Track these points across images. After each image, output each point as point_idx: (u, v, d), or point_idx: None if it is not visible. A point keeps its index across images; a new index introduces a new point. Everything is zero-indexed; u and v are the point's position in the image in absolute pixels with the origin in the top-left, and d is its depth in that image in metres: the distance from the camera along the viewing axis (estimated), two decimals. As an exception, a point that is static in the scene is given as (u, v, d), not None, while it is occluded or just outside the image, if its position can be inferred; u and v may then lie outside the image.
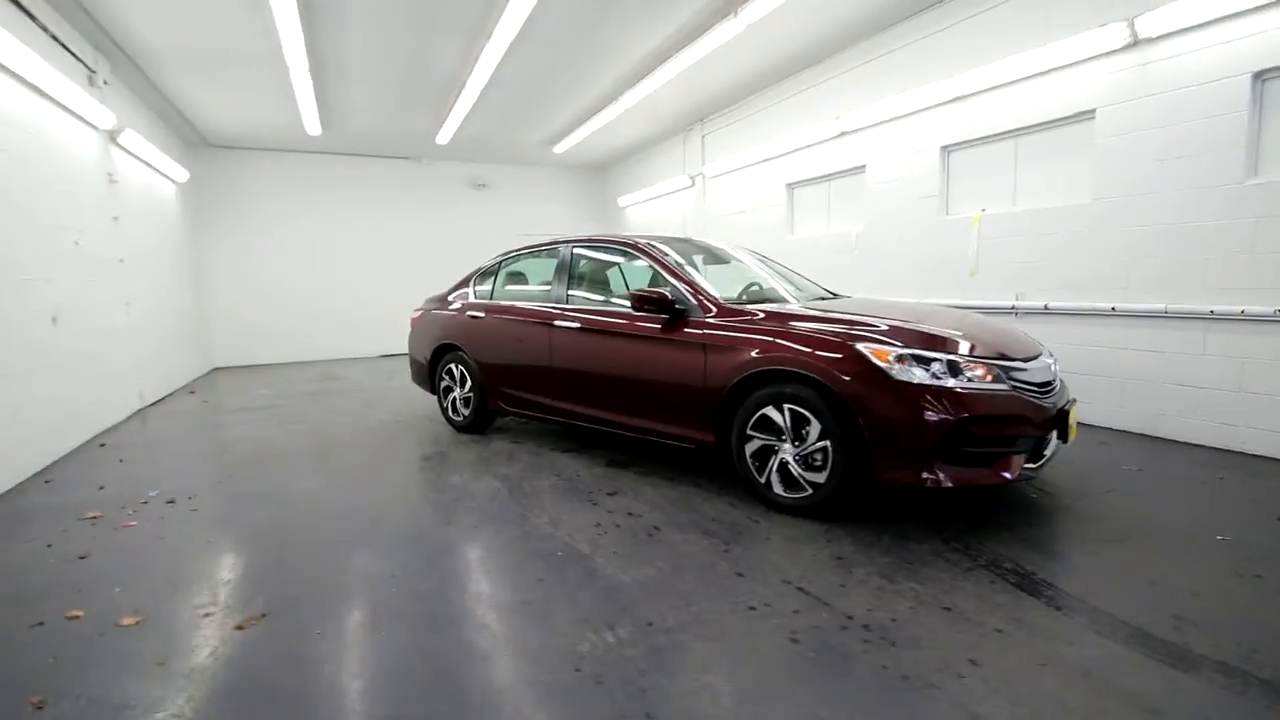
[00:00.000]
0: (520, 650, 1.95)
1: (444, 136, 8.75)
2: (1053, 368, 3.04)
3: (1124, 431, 4.30)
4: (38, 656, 1.96)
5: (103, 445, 4.65)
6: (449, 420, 4.98)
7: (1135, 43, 4.00)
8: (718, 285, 3.55)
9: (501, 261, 4.87)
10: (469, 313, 4.75)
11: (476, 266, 5.12)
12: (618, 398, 3.70)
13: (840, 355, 2.75)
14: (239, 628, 2.09)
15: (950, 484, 2.60)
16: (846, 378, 2.70)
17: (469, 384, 4.71)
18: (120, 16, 4.98)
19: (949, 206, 5.45)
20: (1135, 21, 3.91)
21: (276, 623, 2.13)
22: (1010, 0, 4.69)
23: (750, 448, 3.05)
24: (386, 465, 4.08)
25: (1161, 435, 4.14)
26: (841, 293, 4.37)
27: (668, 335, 3.40)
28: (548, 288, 4.32)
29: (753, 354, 3.02)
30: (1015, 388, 2.73)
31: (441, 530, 3.00)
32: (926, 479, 2.60)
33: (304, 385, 7.53)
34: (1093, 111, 4.30)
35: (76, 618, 2.18)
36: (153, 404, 6.35)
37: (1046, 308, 4.66)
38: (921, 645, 1.92)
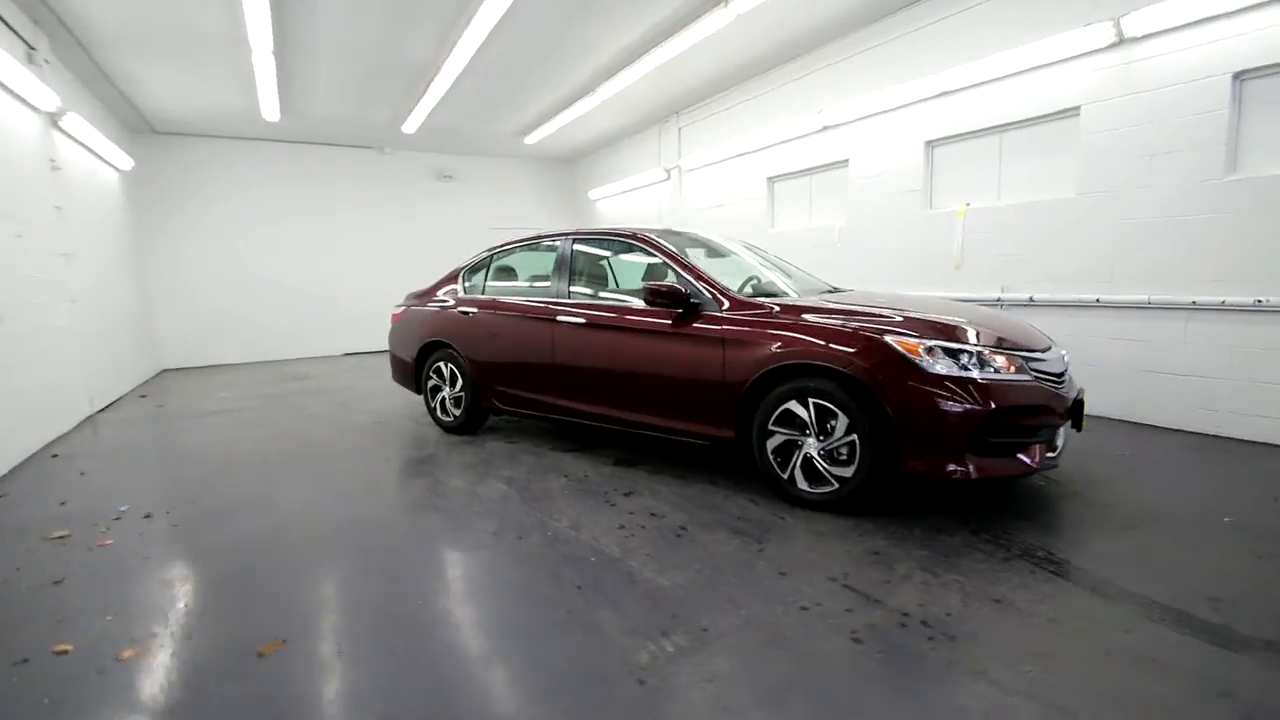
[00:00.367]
0: (577, 665, 1.84)
1: (411, 125, 8.41)
2: (1065, 358, 3.11)
3: (1106, 418, 4.45)
4: (30, 699, 1.73)
5: (55, 456, 4.26)
6: (437, 421, 4.76)
7: (1120, 42, 4.12)
8: (719, 278, 3.47)
9: (492, 255, 4.67)
10: (459, 309, 4.55)
11: (463, 261, 4.92)
12: (628, 395, 3.59)
13: (869, 348, 2.73)
14: (261, 654, 1.91)
15: (976, 475, 2.61)
16: (876, 371, 2.68)
17: (460, 383, 4.51)
18: (62, -14, 4.56)
19: (933, 201, 5.54)
20: (1121, 21, 4.02)
21: (300, 647, 1.95)
22: (996, -3, 4.78)
23: (772, 443, 3.00)
24: (379, 470, 3.87)
25: (1142, 421, 4.31)
26: (840, 286, 4.38)
27: (682, 329, 3.32)
28: (546, 283, 4.17)
29: (774, 348, 2.97)
30: (1037, 378, 2.77)
31: (459, 538, 2.84)
32: (954, 470, 2.60)
33: (268, 386, 7.12)
34: (1077, 108, 4.43)
35: (66, 652, 1.95)
36: (102, 410, 5.88)
37: (1032, 300, 4.79)
38: (981, 639, 1.91)
